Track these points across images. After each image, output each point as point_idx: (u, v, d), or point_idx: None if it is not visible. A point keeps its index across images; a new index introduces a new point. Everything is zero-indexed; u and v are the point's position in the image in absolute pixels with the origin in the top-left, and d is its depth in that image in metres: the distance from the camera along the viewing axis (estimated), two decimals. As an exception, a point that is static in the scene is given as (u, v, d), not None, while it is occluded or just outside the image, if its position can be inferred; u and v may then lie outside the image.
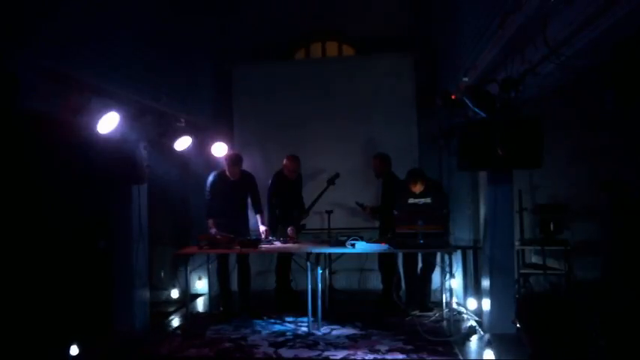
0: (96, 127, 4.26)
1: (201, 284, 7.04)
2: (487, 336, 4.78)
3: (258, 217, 5.83)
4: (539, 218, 5.14)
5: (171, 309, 6.15)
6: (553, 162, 4.60)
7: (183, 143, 5.69)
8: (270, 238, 5.70)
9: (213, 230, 5.53)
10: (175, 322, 5.67)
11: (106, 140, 4.48)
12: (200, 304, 6.61)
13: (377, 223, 6.24)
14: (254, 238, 5.53)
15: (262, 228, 5.75)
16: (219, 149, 6.17)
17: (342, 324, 5.22)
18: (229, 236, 5.33)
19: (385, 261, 5.85)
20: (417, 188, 5.42)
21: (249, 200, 5.91)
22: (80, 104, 4.03)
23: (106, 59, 4.34)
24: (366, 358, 4.26)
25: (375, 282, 6.36)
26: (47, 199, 4.39)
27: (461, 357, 4.26)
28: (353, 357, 4.29)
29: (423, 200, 5.43)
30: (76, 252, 4.82)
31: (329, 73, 7.23)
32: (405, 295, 5.90)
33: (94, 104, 4.18)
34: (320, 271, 5.14)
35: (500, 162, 4.03)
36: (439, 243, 5.07)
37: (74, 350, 4.23)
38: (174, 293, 6.66)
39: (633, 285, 3.84)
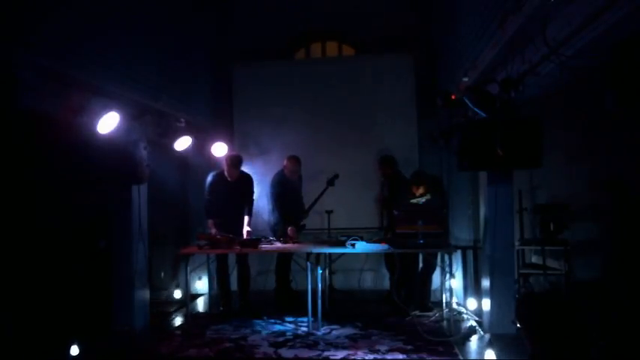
0: (96, 127, 4.26)
1: (201, 284, 7.03)
2: (487, 336, 4.78)
3: (246, 218, 5.77)
4: (539, 218, 5.14)
5: (172, 309, 6.15)
6: (553, 162, 4.59)
7: (183, 143, 5.70)
8: (271, 238, 5.70)
9: (213, 230, 5.53)
10: (175, 322, 5.67)
11: (106, 140, 4.48)
12: (200, 304, 6.60)
13: (376, 223, 6.24)
14: (254, 238, 5.53)
15: (247, 229, 5.70)
16: (219, 149, 6.16)
17: (342, 324, 5.22)
18: (229, 236, 5.33)
19: (392, 260, 5.83)
20: (420, 191, 5.43)
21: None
22: (80, 104, 4.03)
23: (106, 59, 4.34)
24: (366, 358, 4.26)
25: (375, 282, 6.35)
26: (47, 199, 4.39)
27: (461, 357, 4.26)
28: (353, 357, 4.29)
29: (423, 199, 5.44)
30: (76, 252, 4.82)
31: (329, 73, 7.21)
32: (405, 295, 5.89)
33: (94, 104, 4.18)
34: (320, 271, 5.14)
35: (500, 162, 4.02)
36: (439, 243, 5.07)
37: (74, 350, 4.23)
38: (177, 293, 6.65)
39: (633, 285, 3.84)
